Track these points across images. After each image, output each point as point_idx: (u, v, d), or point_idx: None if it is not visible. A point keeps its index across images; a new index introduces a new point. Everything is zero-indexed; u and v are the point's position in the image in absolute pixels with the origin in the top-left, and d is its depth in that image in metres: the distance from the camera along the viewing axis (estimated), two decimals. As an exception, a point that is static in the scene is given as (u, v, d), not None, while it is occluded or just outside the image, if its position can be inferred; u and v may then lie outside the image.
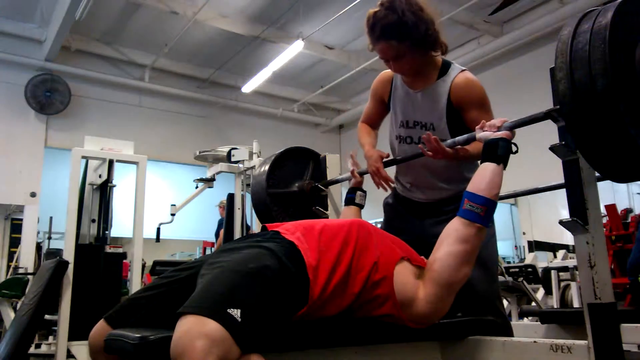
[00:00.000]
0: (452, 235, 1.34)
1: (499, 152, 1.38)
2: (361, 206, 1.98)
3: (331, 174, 2.29)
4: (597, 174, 1.24)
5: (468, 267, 1.33)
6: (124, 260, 4.05)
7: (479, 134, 1.47)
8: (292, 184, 2.25)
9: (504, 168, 1.39)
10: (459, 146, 1.60)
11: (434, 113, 1.76)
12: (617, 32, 1.04)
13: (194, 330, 0.96)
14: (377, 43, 1.67)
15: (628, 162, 1.10)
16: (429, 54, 1.71)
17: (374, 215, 1.99)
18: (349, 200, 1.97)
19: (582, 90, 1.05)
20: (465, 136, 1.57)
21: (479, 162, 1.48)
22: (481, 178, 1.37)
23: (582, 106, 1.05)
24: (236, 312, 1.00)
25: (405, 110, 1.82)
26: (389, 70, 1.88)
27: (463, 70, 1.75)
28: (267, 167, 2.22)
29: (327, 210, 2.28)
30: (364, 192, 1.99)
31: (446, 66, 1.76)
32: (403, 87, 1.83)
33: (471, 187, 1.38)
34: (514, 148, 1.40)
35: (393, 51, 1.65)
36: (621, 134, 1.03)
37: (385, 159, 1.85)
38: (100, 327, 1.26)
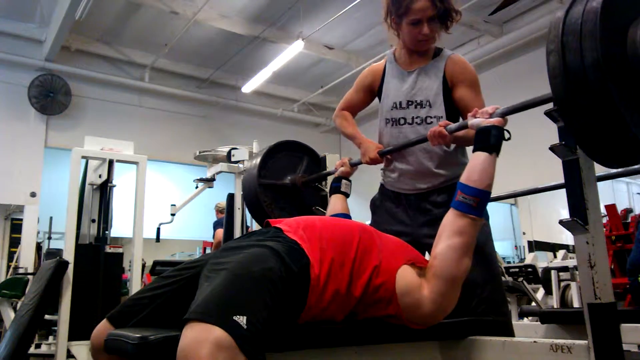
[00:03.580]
0: (448, 229, 1.35)
1: (492, 141, 1.37)
2: (347, 195, 1.99)
3: (332, 174, 2.29)
4: (597, 174, 1.24)
5: (468, 258, 1.33)
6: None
7: (471, 121, 1.45)
8: (285, 177, 2.25)
9: (497, 156, 1.38)
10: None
11: (430, 90, 1.79)
12: (609, 15, 1.03)
13: (200, 337, 0.96)
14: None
15: (620, 145, 1.07)
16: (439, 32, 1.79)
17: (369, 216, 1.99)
18: (335, 189, 1.98)
19: (574, 74, 1.02)
20: (457, 123, 1.57)
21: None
22: (473, 168, 1.37)
23: (574, 90, 1.03)
24: (242, 319, 1.00)
25: (399, 92, 1.84)
26: (379, 63, 1.95)
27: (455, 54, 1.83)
28: (260, 158, 2.21)
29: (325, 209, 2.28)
30: (350, 181, 2.01)
31: (439, 50, 1.85)
32: (397, 70, 1.87)
33: (464, 177, 1.37)
34: (506, 135, 1.39)
35: (433, 10, 1.71)
36: (613, 118, 1.01)
37: (381, 150, 1.86)
38: (103, 327, 1.26)
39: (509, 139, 1.39)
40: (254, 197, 2.16)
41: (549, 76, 1.07)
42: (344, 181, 1.99)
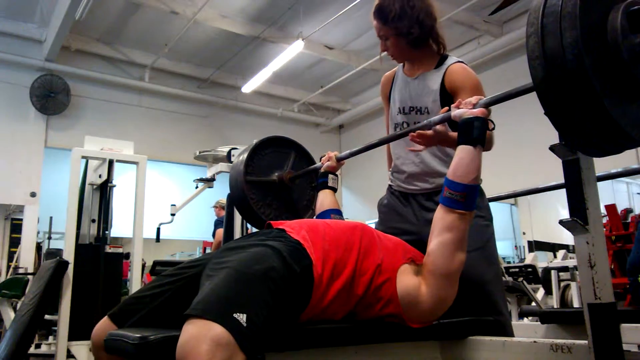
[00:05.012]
0: (439, 225, 1.35)
1: (475, 133, 1.34)
2: (334, 189, 1.97)
3: (331, 174, 2.27)
4: (597, 174, 1.24)
5: (461, 253, 1.33)
6: (125, 260, 4.06)
7: (454, 112, 1.42)
8: (272, 173, 2.24)
9: (482, 148, 1.36)
10: (439, 127, 1.57)
11: (428, 97, 1.81)
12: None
13: (200, 334, 0.97)
14: (373, 18, 1.84)
15: (598, 129, 1.04)
16: (419, 48, 1.81)
17: (373, 216, 1.99)
18: (323, 184, 1.96)
19: (553, 56, 1.00)
20: (440, 116, 1.53)
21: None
22: (458, 163, 1.35)
23: (552, 72, 1.01)
24: (242, 317, 1.01)
25: (403, 98, 1.88)
26: (392, 70, 2.00)
27: (460, 61, 1.81)
28: (246, 155, 2.19)
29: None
30: (336, 175, 2.00)
31: (444, 58, 1.84)
32: (402, 76, 1.92)
33: (449, 173, 1.36)
34: (490, 125, 1.37)
35: (378, 31, 1.84)
36: (590, 100, 0.99)
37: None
38: (104, 324, 1.26)
39: (493, 129, 1.38)
40: (241, 194, 2.15)
41: (528, 59, 1.05)
42: (330, 176, 1.97)
